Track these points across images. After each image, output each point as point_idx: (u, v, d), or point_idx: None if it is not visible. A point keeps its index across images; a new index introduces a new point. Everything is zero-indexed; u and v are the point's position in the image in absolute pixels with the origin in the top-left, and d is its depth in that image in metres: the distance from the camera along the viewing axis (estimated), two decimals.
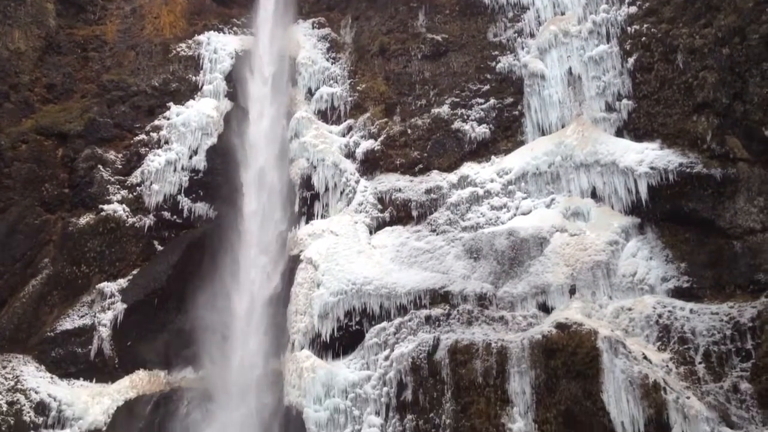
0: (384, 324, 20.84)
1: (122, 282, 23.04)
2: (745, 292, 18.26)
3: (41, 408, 20.29)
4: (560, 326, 18.59)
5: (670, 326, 18.27)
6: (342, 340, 21.28)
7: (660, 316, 18.45)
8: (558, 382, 17.99)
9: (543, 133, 23.44)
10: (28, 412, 20.09)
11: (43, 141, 24.56)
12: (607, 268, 19.86)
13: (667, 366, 17.66)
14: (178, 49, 26.89)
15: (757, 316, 17.35)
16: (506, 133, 24.28)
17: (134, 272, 23.37)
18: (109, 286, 22.87)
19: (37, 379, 20.91)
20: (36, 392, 20.49)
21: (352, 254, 22.53)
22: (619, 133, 21.92)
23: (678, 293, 18.95)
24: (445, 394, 18.95)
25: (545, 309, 20.06)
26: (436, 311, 20.54)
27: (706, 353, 17.60)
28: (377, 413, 19.56)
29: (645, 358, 17.60)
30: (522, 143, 23.76)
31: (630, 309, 18.91)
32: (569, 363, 18.01)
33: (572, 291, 19.88)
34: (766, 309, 17.24)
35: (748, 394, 16.73)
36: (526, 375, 18.36)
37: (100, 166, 24.71)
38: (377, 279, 21.55)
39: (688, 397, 16.74)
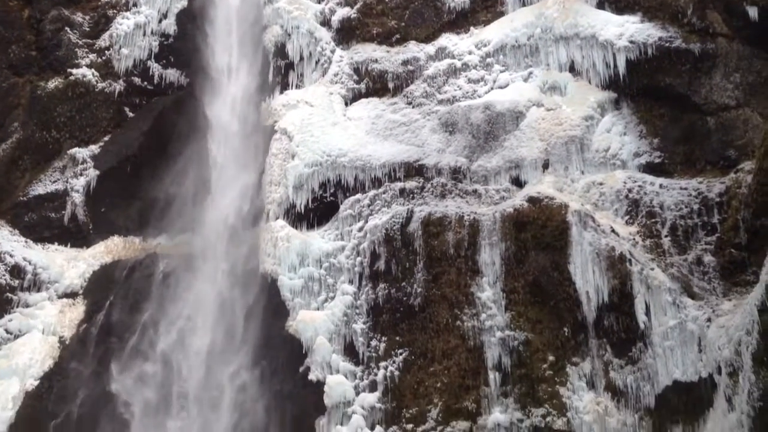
0: (358, 196, 20.98)
1: (94, 148, 22.82)
2: (715, 168, 18.58)
3: (16, 271, 20.48)
4: (532, 200, 18.86)
5: (639, 201, 18.63)
6: (316, 212, 21.44)
7: (630, 190, 18.76)
8: (527, 254, 18.44)
9: (524, 4, 22.95)
10: (3, 275, 20.29)
11: (8, 1, 23.58)
12: (581, 143, 19.97)
13: (634, 239, 18.13)
14: None
15: (725, 192, 17.71)
16: (486, 3, 23.74)
17: (106, 139, 23.11)
18: (81, 152, 22.66)
19: (11, 243, 21.02)
20: (11, 255, 20.62)
21: (327, 126, 22.36)
22: (600, 5, 21.53)
23: (649, 168, 19.23)
24: (417, 265, 19.35)
25: (518, 183, 20.29)
26: (411, 184, 20.68)
27: (672, 227, 18.05)
28: (351, 282, 19.99)
29: (613, 231, 18.03)
30: (502, 14, 23.28)
31: (601, 184, 19.18)
32: (539, 236, 18.41)
33: (545, 166, 20.06)
34: (735, 185, 17.59)
35: (710, 266, 17.31)
36: (497, 247, 18.76)
37: (67, 29, 23.90)
38: (352, 151, 21.51)
39: (653, 269, 17.29)
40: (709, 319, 16.42)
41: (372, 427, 18.39)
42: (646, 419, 16.62)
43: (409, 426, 18.10)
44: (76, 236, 21.94)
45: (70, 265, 20.91)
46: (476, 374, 18.06)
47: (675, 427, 16.38)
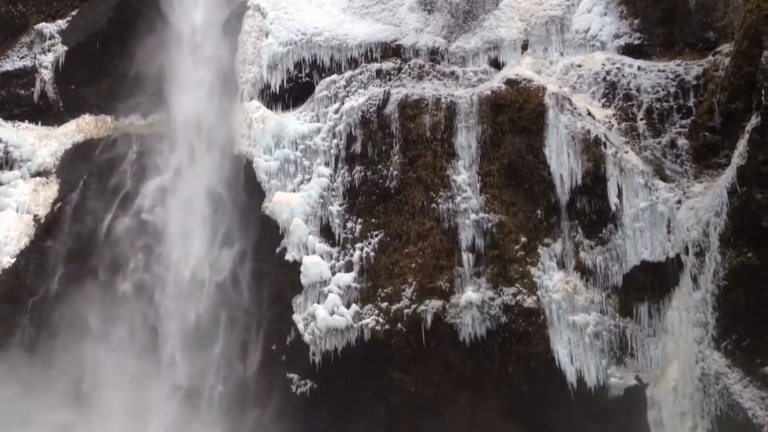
0: (334, 77, 20.64)
1: (61, 23, 22.10)
2: (694, 51, 18.41)
3: None
4: (509, 82, 18.72)
5: (616, 83, 18.52)
6: (292, 92, 21.12)
7: (608, 72, 18.62)
8: (503, 137, 18.45)
9: None
10: None
11: None
12: (561, 23, 19.64)
13: (610, 122, 18.15)
14: None
15: (703, 74, 17.65)
16: None
17: (74, 13, 22.35)
18: (48, 27, 21.98)
19: None
20: None
21: (302, 3, 21.72)
22: None
23: (628, 50, 19.02)
24: (393, 147, 19.32)
25: (497, 65, 20.04)
26: (387, 65, 20.34)
27: (648, 110, 18.05)
28: (326, 164, 19.96)
29: (589, 114, 18.02)
30: None
31: (579, 65, 19.00)
32: (515, 118, 18.37)
33: (524, 47, 19.79)
34: (712, 67, 17.50)
35: (684, 149, 17.44)
36: (473, 130, 18.72)
37: None
38: (328, 30, 21.00)
39: (627, 152, 17.42)
40: (679, 201, 16.71)
41: (348, 306, 18.85)
42: (613, 297, 17.15)
43: (384, 304, 18.56)
44: (47, 114, 21.54)
45: (41, 144, 20.62)
46: (450, 255, 18.41)
47: (641, 305, 16.95)
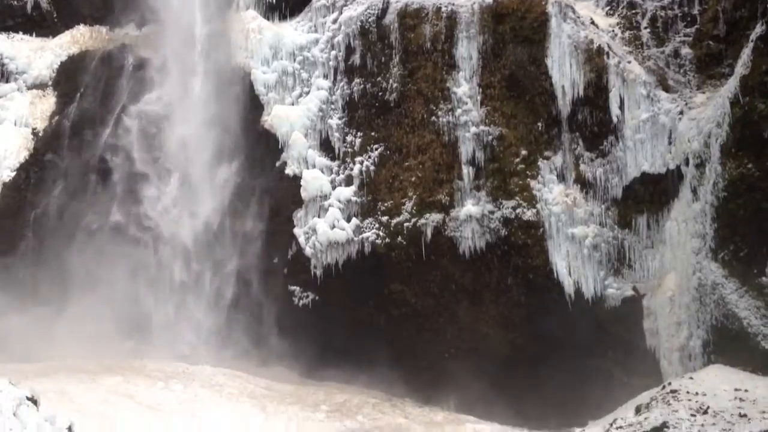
0: None
1: None
2: None
3: None
4: None
5: None
6: (288, 2, 20.67)
7: None
8: (505, 48, 18.13)
9: None
10: None
11: None
12: None
13: (613, 31, 17.80)
14: None
15: None
16: None
17: None
18: None
19: None
20: None
21: None
22: None
23: None
24: (393, 59, 19.03)
25: None
26: None
27: (652, 18, 17.67)
28: (325, 76, 19.73)
29: (592, 23, 17.65)
30: None
31: None
32: (517, 28, 18.01)
33: None
34: None
35: (687, 59, 17.15)
36: (474, 40, 18.39)
37: None
38: None
39: (629, 62, 17.13)
40: (681, 112, 16.53)
41: (348, 219, 18.94)
42: (613, 209, 17.18)
43: (384, 218, 18.64)
44: (41, 25, 21.20)
45: (37, 56, 20.34)
46: (450, 169, 18.38)
47: (639, 217, 16.98)
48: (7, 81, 20.02)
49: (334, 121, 19.36)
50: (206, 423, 14.98)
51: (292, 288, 19.69)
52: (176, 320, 19.56)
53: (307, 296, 19.70)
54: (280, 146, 19.51)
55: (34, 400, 6.78)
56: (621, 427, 13.10)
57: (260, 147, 19.81)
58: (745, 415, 12.08)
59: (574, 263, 17.44)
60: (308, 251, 19.09)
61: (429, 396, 19.77)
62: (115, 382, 16.18)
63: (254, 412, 16.06)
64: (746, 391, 13.36)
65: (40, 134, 20.01)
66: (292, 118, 19.43)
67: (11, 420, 5.65)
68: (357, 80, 19.28)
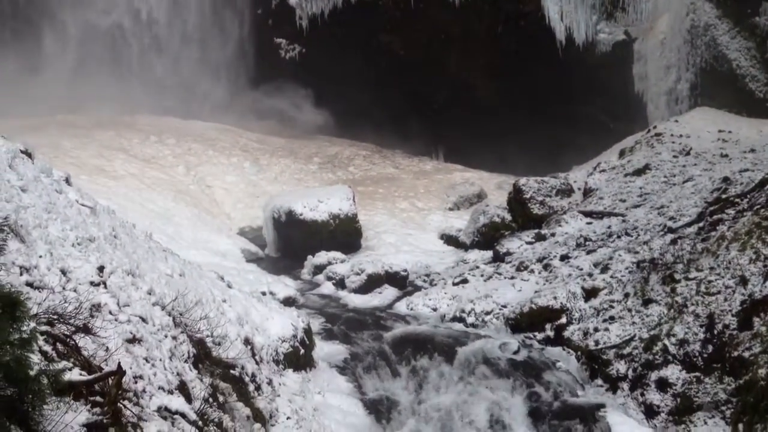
0: None
1: None
2: None
3: None
4: None
5: None
6: None
7: None
8: None
9: None
10: None
11: None
12: None
13: None
14: None
15: None
16: None
17: None
18: None
19: None
20: None
21: None
22: None
23: None
24: None
25: None
26: None
27: None
28: None
29: None
30: None
31: None
32: None
33: None
34: None
35: None
36: None
37: None
38: None
39: None
40: None
41: None
42: None
43: None
44: None
45: None
46: None
47: None
48: None
49: None
50: (202, 174, 15.42)
51: (278, 41, 19.23)
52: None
53: (294, 49, 19.30)
54: None
55: (28, 153, 6.80)
56: (604, 171, 13.46)
57: None
58: (726, 156, 12.37)
59: (566, 7, 16.93)
60: (292, 1, 18.39)
61: (418, 148, 20.13)
62: (108, 136, 16.27)
63: (248, 164, 16.40)
64: (729, 132, 13.61)
65: None
66: None
67: (7, 172, 5.69)
68: None
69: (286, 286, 9.45)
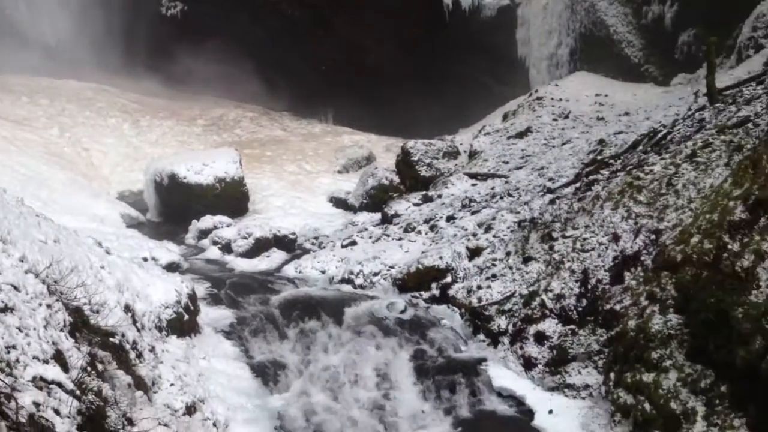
0: None
1: None
2: None
3: None
4: None
5: None
6: None
7: None
8: None
9: None
10: None
11: None
12: None
13: None
14: None
15: None
16: None
17: None
18: None
19: None
20: None
21: None
22: None
23: None
24: None
25: None
26: None
27: None
28: None
29: None
30: None
31: None
32: None
33: None
34: None
35: None
36: None
37: None
38: None
39: None
40: None
41: None
42: None
43: None
44: None
45: None
46: None
47: None
48: None
49: None
50: (78, 135, 14.68)
51: None
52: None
53: (176, 6, 18.61)
54: None
55: None
56: (489, 133, 13.76)
57: None
58: (602, 119, 12.87)
59: None
60: None
61: (306, 110, 19.93)
62: None
63: (127, 126, 15.78)
64: (606, 96, 14.16)
65: None
66: None
67: None
68: None
69: (169, 252, 9.18)
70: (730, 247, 5.67)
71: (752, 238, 5.54)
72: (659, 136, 9.27)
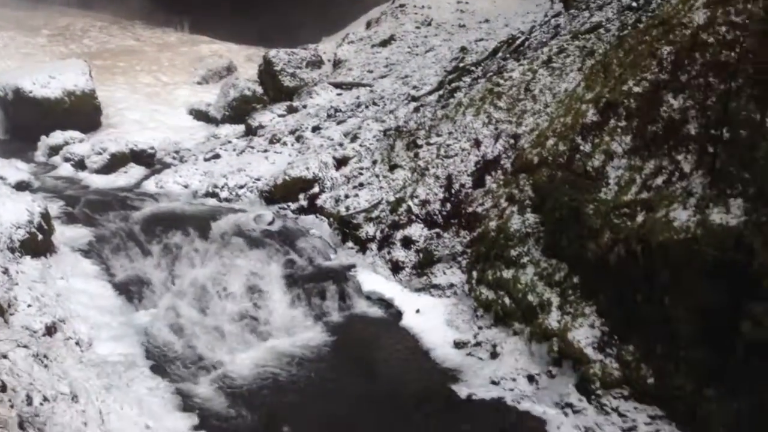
0: None
1: None
2: None
3: None
4: None
5: None
6: None
7: None
8: None
9: None
10: None
11: None
12: None
13: None
14: None
15: None
16: None
17: None
18: None
19: None
20: None
21: None
22: None
23: None
24: None
25: None
26: None
27: None
28: None
29: None
30: None
31: None
32: None
33: None
34: None
35: None
36: None
37: None
38: None
39: None
40: None
41: None
42: None
43: None
44: None
45: None
46: None
47: None
48: None
49: None
50: None
51: None
52: None
53: None
54: None
55: None
56: (352, 42, 13.60)
57: None
58: (464, 26, 12.97)
59: None
60: None
61: (161, 19, 18.92)
62: None
63: None
64: (467, 3, 14.20)
65: None
66: None
67: None
68: None
69: (17, 170, 8.62)
70: (582, 148, 5.95)
71: (602, 139, 5.82)
72: (517, 42, 9.47)
